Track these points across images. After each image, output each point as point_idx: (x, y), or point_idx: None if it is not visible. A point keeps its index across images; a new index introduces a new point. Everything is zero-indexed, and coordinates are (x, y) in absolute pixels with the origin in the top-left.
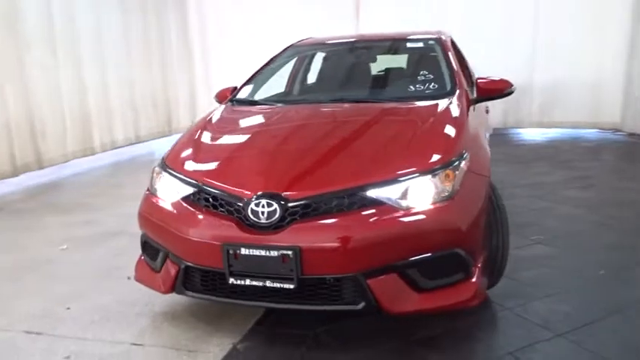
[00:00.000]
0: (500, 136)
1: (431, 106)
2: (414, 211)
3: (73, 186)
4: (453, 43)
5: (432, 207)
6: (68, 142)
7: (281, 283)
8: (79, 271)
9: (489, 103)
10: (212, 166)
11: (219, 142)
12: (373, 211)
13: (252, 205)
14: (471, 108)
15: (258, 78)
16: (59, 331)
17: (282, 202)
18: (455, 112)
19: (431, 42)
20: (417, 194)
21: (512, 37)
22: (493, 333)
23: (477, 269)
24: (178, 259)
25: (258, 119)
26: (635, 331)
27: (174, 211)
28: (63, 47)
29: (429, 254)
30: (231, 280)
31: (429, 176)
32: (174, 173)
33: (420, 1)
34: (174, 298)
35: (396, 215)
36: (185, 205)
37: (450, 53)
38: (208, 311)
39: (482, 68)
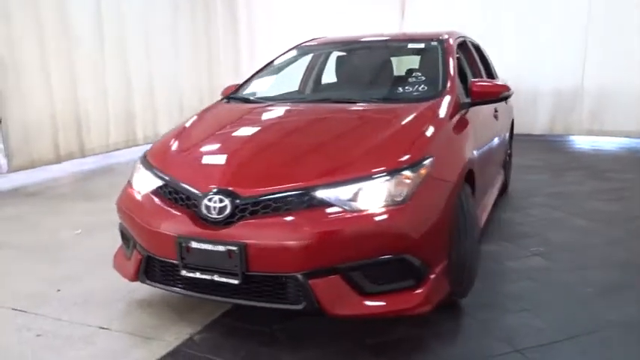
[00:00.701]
0: (545, 143)
1: (408, 108)
2: (362, 213)
3: (110, 175)
4: (464, 45)
5: (381, 210)
6: (111, 134)
7: (227, 277)
8: (84, 255)
9: (503, 108)
10: (178, 160)
11: (192, 137)
12: (321, 211)
13: (206, 201)
14: (460, 112)
15: (259, 76)
16: (42, 310)
17: (233, 199)
18: (430, 115)
19: (433, 43)
20: (367, 196)
21: (564, 39)
22: (449, 344)
23: (433, 277)
24: (142, 248)
25: (236, 117)
26: (605, 354)
27: (142, 203)
28: (110, 42)
29: (376, 258)
30: (184, 272)
31: (383, 179)
32: (149, 167)
33: (471, 3)
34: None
35: (343, 217)
36: (151, 197)
37: (450, 56)
38: (183, 302)
39: (534, 71)
